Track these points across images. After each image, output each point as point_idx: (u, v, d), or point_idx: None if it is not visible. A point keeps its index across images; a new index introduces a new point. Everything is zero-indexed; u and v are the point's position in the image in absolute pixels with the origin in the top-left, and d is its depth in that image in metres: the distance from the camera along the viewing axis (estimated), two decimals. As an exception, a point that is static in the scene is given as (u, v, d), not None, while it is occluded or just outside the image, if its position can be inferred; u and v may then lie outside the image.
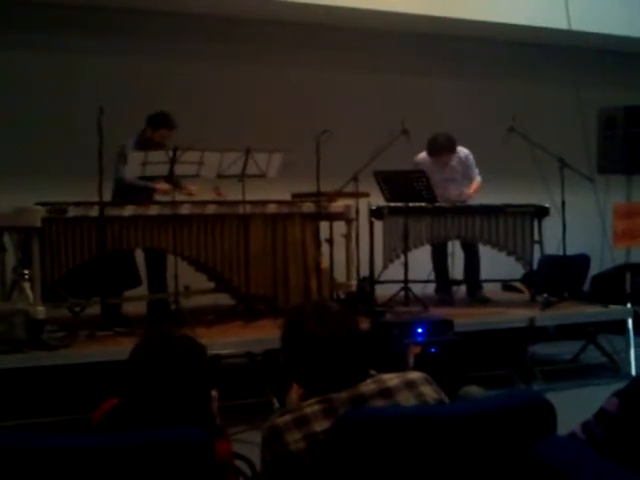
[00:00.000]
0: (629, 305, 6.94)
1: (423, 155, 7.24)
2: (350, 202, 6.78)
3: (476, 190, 7.22)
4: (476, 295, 7.33)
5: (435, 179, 7.11)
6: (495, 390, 2.60)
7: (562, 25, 8.39)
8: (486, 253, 7.35)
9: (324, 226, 6.68)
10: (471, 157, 7.27)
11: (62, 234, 5.60)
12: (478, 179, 7.27)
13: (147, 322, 6.14)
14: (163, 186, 6.26)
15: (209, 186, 6.25)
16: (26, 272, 5.49)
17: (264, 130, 7.52)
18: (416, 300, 6.64)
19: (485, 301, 7.21)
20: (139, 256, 6.37)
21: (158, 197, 6.35)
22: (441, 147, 7.07)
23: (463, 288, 7.53)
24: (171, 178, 6.04)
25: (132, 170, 5.81)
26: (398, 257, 6.82)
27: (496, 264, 7.38)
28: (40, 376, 5.32)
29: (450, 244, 7.41)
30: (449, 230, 6.98)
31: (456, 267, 7.51)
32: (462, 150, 7.24)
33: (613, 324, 7.01)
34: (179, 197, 6.21)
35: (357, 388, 2.31)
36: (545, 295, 6.86)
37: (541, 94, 9.15)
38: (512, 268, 7.37)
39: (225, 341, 5.65)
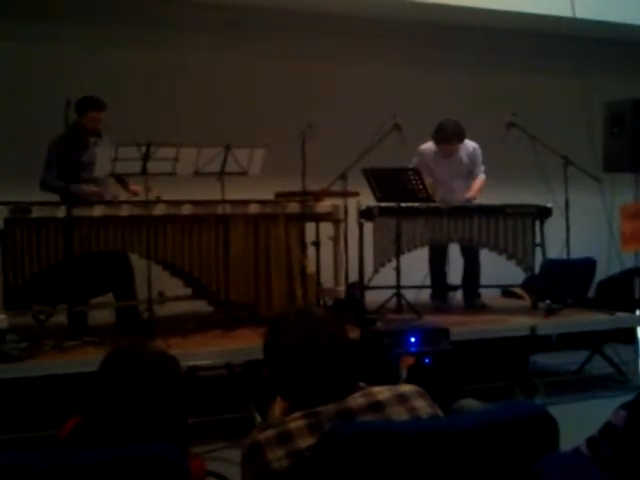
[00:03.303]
0: (638, 312, 6.97)
1: (428, 145, 7.27)
2: (338, 202, 6.78)
3: (480, 189, 7.22)
4: (474, 303, 7.35)
5: (438, 174, 7.15)
6: (494, 403, 2.59)
7: (566, 13, 8.41)
8: (484, 257, 7.37)
9: (310, 228, 6.68)
10: (479, 151, 7.29)
11: (26, 236, 5.59)
12: (482, 177, 7.28)
13: (117, 332, 6.11)
14: (89, 188, 6.22)
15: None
16: (-14, 277, 5.47)
17: (246, 124, 7.53)
18: (409, 307, 6.64)
19: (483, 308, 7.23)
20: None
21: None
22: (450, 134, 7.08)
23: (459, 294, 7.55)
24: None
25: (102, 167, 5.79)
26: (390, 261, 6.82)
27: (495, 268, 7.39)
28: (2, 390, 5.29)
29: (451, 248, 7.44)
30: (445, 232, 6.98)
31: (452, 272, 7.53)
32: (470, 143, 7.26)
33: (621, 333, 7.05)
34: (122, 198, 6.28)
35: (345, 402, 2.31)
36: (548, 302, 6.88)
37: (543, 87, 9.19)
38: (512, 273, 7.38)
39: (203, 351, 5.63)
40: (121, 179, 6.42)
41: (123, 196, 6.39)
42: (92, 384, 2.32)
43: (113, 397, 2.27)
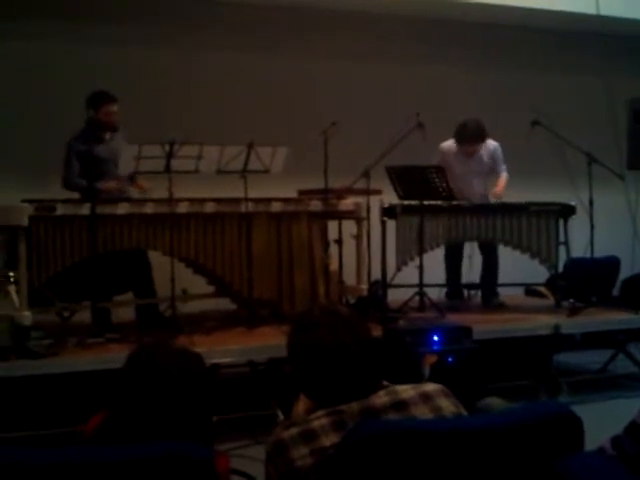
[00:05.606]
0: (663, 311, 6.92)
1: (449, 143, 7.27)
2: (361, 200, 6.78)
3: (504, 187, 7.20)
4: (491, 302, 7.32)
5: (458, 171, 7.14)
6: (518, 402, 2.58)
7: (591, 10, 8.36)
8: (508, 255, 7.33)
9: (332, 225, 6.68)
10: (500, 150, 7.28)
11: (50, 234, 5.61)
12: (505, 175, 7.25)
13: (138, 329, 6.13)
14: (108, 185, 6.24)
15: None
16: (11, 274, 5.49)
17: (268, 122, 7.53)
18: (432, 305, 6.63)
19: (501, 307, 7.21)
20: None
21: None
22: (471, 135, 7.09)
23: (480, 293, 7.53)
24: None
25: (126, 165, 5.81)
26: (412, 259, 6.80)
27: (518, 267, 7.35)
28: (27, 386, 5.33)
29: (467, 245, 7.41)
30: (468, 230, 6.96)
31: (471, 270, 7.51)
32: (491, 142, 7.25)
33: (645, 332, 7.00)
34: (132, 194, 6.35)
35: (369, 400, 2.31)
36: (571, 300, 6.84)
37: (568, 85, 9.14)
38: (536, 271, 7.35)
39: (226, 349, 5.64)
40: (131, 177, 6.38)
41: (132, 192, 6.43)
42: (117, 381, 2.33)
43: (138, 394, 2.28)
